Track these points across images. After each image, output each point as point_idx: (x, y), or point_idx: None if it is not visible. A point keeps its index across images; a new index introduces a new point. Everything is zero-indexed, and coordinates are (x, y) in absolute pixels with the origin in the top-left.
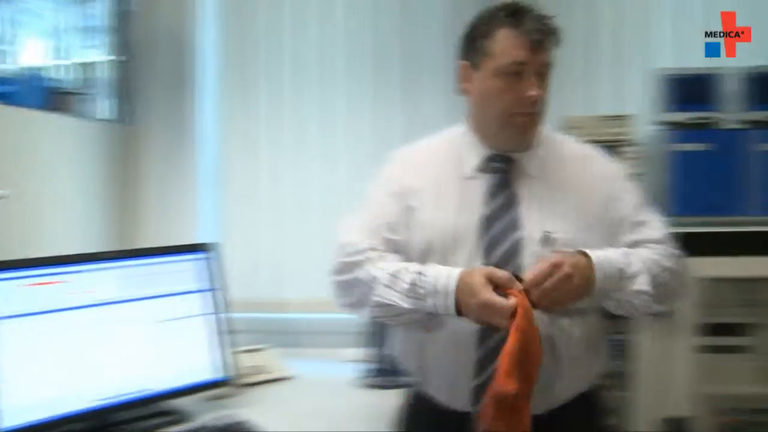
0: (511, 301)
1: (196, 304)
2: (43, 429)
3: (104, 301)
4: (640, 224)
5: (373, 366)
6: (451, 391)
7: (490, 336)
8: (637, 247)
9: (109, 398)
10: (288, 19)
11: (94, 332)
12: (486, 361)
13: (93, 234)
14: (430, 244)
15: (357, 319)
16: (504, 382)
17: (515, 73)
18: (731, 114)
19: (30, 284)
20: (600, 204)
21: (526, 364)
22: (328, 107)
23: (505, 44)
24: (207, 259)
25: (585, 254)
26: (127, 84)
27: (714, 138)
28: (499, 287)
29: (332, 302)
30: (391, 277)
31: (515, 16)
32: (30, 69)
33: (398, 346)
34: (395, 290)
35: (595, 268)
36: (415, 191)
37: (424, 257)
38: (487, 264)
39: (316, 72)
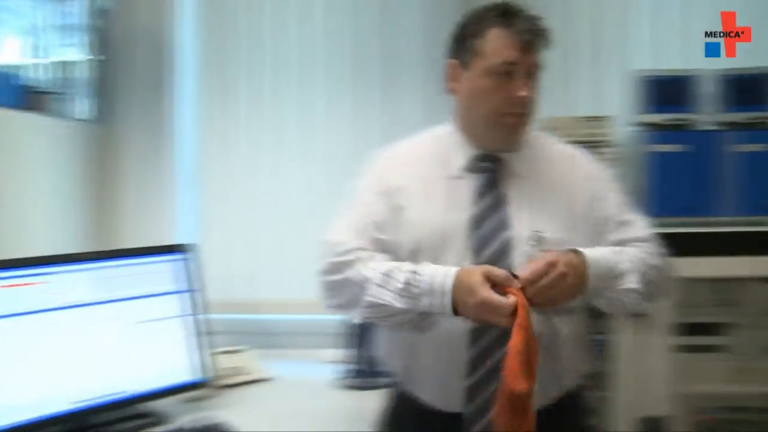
0: (511, 299)
1: (174, 305)
2: None
3: (81, 303)
4: (624, 223)
5: (352, 367)
6: (441, 391)
7: (482, 336)
8: (623, 246)
9: (87, 400)
10: (267, 18)
11: (71, 334)
12: (478, 360)
13: (70, 235)
14: (418, 244)
15: (343, 320)
16: (516, 382)
17: (506, 73)
18: (708, 115)
19: (5, 285)
20: (585, 204)
21: (529, 362)
22: (308, 107)
23: (496, 44)
24: (185, 260)
25: (577, 253)
26: (105, 83)
27: (690, 139)
28: (496, 285)
29: (314, 303)
30: (384, 277)
31: (507, 16)
32: (6, 67)
33: (384, 346)
34: (388, 290)
35: (588, 267)
36: (402, 190)
37: (412, 257)
38: (477, 263)
39: (296, 72)
